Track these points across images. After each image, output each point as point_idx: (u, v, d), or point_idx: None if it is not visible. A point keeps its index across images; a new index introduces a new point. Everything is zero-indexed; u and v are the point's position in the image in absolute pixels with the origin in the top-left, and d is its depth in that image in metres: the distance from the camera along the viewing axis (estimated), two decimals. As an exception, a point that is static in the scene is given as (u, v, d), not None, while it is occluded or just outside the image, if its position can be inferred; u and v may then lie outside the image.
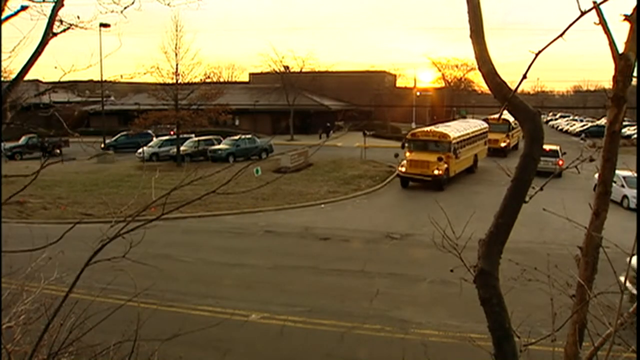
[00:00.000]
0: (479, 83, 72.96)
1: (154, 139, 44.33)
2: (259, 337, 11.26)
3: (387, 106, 59.25)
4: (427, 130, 29.85)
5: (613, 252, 3.34)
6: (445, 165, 27.23)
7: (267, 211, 23.17)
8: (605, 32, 2.91)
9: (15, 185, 5.02)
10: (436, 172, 26.72)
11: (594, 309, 3.37)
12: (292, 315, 12.06)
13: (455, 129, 30.48)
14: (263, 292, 13.68)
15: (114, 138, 46.13)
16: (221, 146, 39.80)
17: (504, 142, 40.36)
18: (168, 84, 36.80)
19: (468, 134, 31.39)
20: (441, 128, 30.52)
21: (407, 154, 28.63)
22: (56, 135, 36.33)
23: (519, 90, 2.93)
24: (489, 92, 3.27)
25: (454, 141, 28.20)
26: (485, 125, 36.24)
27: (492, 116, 43.78)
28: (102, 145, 45.89)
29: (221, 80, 73.29)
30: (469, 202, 21.05)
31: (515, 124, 40.95)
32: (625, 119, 3.32)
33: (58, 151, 42.39)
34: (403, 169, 27.89)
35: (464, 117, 64.56)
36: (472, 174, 31.96)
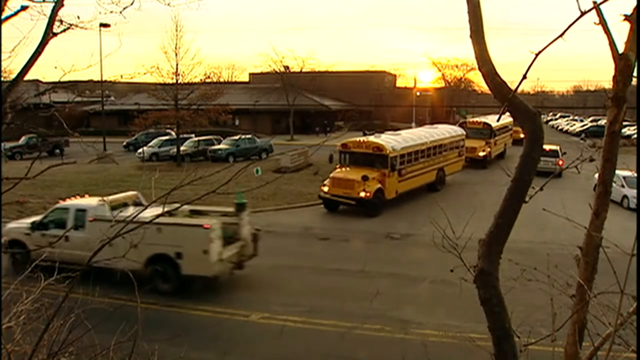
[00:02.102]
0: (479, 83, 72.84)
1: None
2: (259, 337, 11.27)
3: (387, 106, 59.37)
4: (360, 141, 23.68)
5: (613, 252, 3.33)
6: (378, 185, 21.87)
7: (267, 211, 23.14)
8: (605, 32, 2.92)
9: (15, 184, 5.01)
10: (362, 194, 21.28)
11: (594, 309, 3.37)
12: (292, 315, 12.06)
13: (403, 139, 24.46)
14: (263, 292, 13.69)
15: (134, 137, 46.36)
16: (221, 146, 39.83)
17: (483, 150, 33.55)
18: (168, 84, 36.79)
19: (424, 143, 25.36)
20: (383, 138, 24.49)
21: (336, 169, 23.55)
22: (56, 135, 36.42)
23: (519, 90, 2.93)
24: (489, 92, 3.28)
25: (392, 155, 22.58)
26: (461, 131, 30.15)
27: (472, 119, 39.87)
28: (124, 143, 47.34)
29: (221, 80, 73.38)
30: (469, 202, 21.02)
31: (498, 129, 36.50)
32: (626, 118, 3.32)
33: (58, 151, 42.53)
34: (326, 189, 22.46)
35: (464, 117, 64.49)
36: (475, 174, 31.52)
